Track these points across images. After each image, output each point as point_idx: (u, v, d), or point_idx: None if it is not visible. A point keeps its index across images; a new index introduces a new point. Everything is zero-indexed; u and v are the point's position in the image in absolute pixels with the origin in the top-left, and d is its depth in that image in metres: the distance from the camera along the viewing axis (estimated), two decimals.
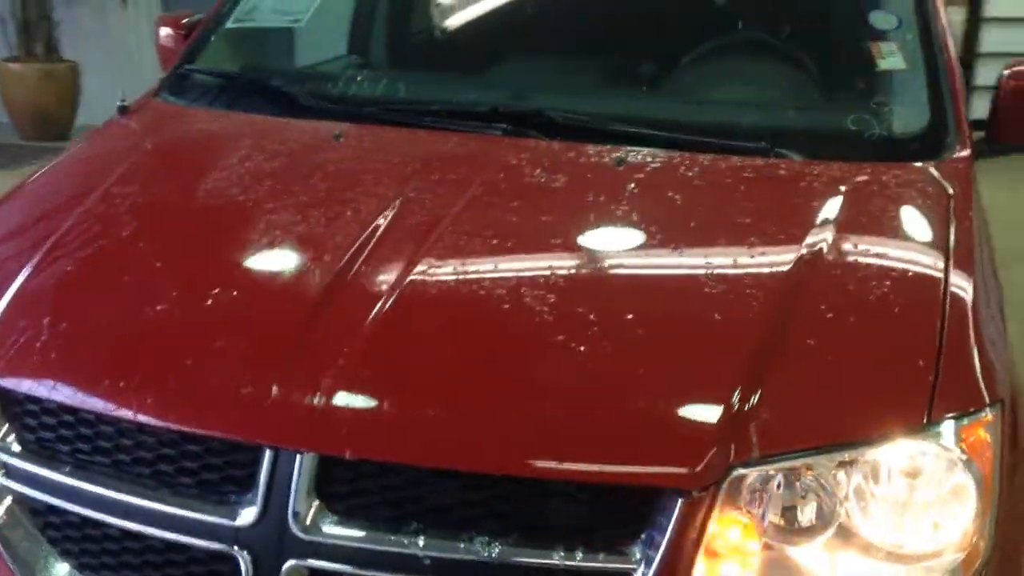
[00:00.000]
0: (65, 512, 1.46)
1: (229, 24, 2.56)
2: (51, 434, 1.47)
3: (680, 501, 1.27)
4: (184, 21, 2.71)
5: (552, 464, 1.30)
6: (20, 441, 1.49)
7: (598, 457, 1.30)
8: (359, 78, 2.33)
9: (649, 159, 1.94)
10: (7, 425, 1.50)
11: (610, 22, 2.59)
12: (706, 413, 1.32)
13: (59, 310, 1.57)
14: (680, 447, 1.30)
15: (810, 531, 1.33)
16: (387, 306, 1.46)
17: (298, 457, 1.31)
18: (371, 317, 1.43)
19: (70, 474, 1.43)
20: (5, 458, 1.48)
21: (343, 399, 1.34)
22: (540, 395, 1.36)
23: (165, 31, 2.77)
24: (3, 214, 1.92)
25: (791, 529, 1.33)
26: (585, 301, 1.53)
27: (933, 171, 1.96)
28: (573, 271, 1.61)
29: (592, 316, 1.48)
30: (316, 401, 1.33)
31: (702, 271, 1.61)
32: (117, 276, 1.64)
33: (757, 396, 1.34)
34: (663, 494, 1.28)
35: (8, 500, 1.49)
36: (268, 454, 1.32)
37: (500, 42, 2.59)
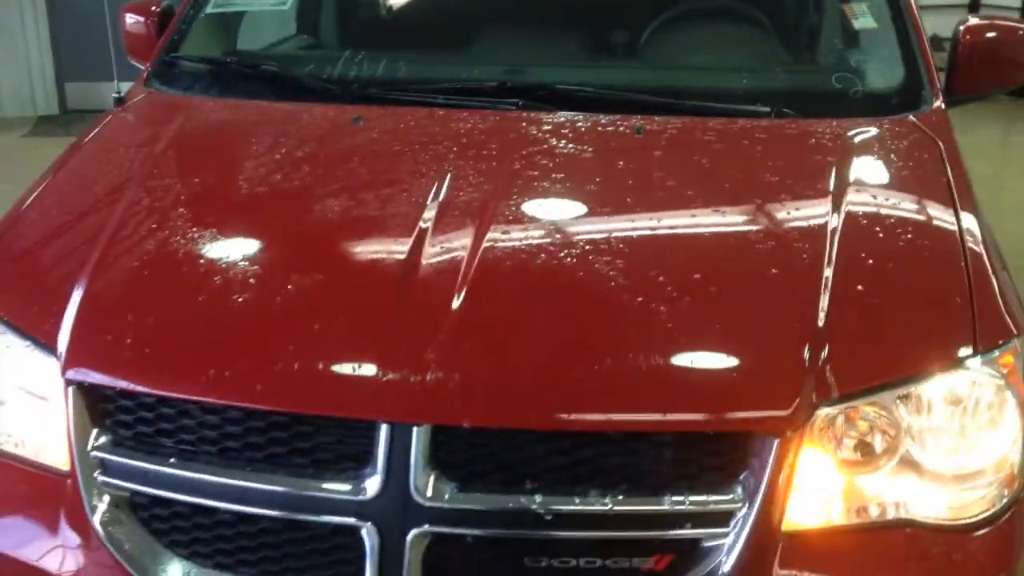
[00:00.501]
0: (172, 503, 1.49)
1: (210, 9, 2.55)
2: (150, 428, 1.49)
3: (776, 442, 1.39)
4: (155, 8, 2.66)
5: (656, 417, 1.41)
6: (115, 438, 1.51)
7: (697, 408, 1.42)
8: (358, 60, 2.35)
9: (664, 127, 2.05)
10: (98, 423, 1.52)
11: None
12: (790, 361, 1.45)
13: (140, 304, 1.59)
14: (773, 394, 1.42)
15: (878, 460, 1.47)
16: (468, 279, 1.53)
17: (414, 430, 1.38)
18: (457, 291, 1.50)
19: (176, 465, 1.46)
20: (101, 455, 1.50)
21: (451, 371, 1.41)
22: (635, 354, 1.45)
23: (132, 18, 2.72)
24: (41, 210, 1.91)
25: (863, 460, 1.47)
26: (650, 261, 1.64)
27: (918, 122, 2.13)
28: (631, 234, 1.72)
29: (662, 277, 1.59)
30: (428, 376, 1.40)
31: (749, 227, 1.74)
32: (191, 267, 1.66)
33: (828, 342, 1.47)
34: (759, 438, 1.40)
35: (107, 498, 1.51)
36: (385, 429, 1.39)
37: (479, 16, 2.65)
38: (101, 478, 1.50)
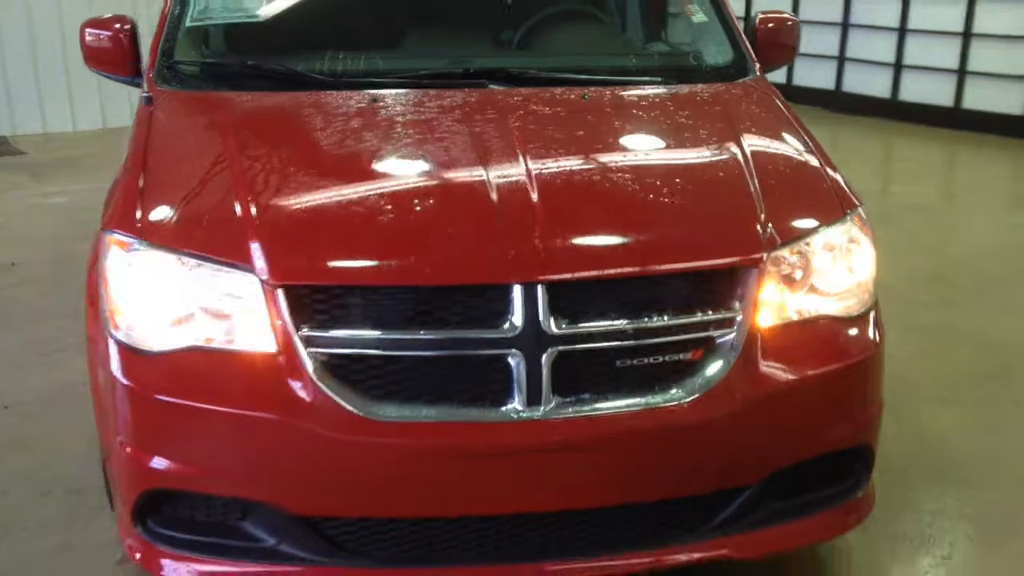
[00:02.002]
0: (367, 359, 2.11)
1: (190, 23, 3.06)
2: (342, 310, 2.12)
3: (754, 272, 2.25)
4: (124, 26, 3.11)
5: (692, 264, 2.22)
6: (319, 320, 2.11)
7: (714, 256, 2.25)
8: (349, 58, 2.99)
9: (601, 93, 2.89)
10: (302, 313, 2.10)
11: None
12: (754, 228, 2.31)
13: (315, 228, 2.21)
14: (750, 245, 2.27)
15: (802, 283, 2.37)
16: (534, 186, 2.28)
17: (539, 287, 2.12)
18: (533, 194, 2.26)
19: (374, 329, 2.10)
20: (308, 334, 2.10)
21: (552, 246, 2.15)
22: (669, 226, 2.29)
23: (94, 32, 3.16)
24: (166, 179, 2.42)
25: (794, 283, 2.36)
26: (648, 170, 2.48)
27: (755, 83, 3.10)
28: (623, 154, 2.57)
29: (658, 181, 2.43)
30: (540, 251, 2.13)
31: (694, 147, 2.64)
32: (337, 199, 2.32)
33: (768, 217, 2.35)
34: (745, 271, 2.25)
35: (313, 363, 2.09)
36: (519, 288, 2.11)
37: (419, 21, 3.39)
38: (309, 349, 2.10)
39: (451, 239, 2.18)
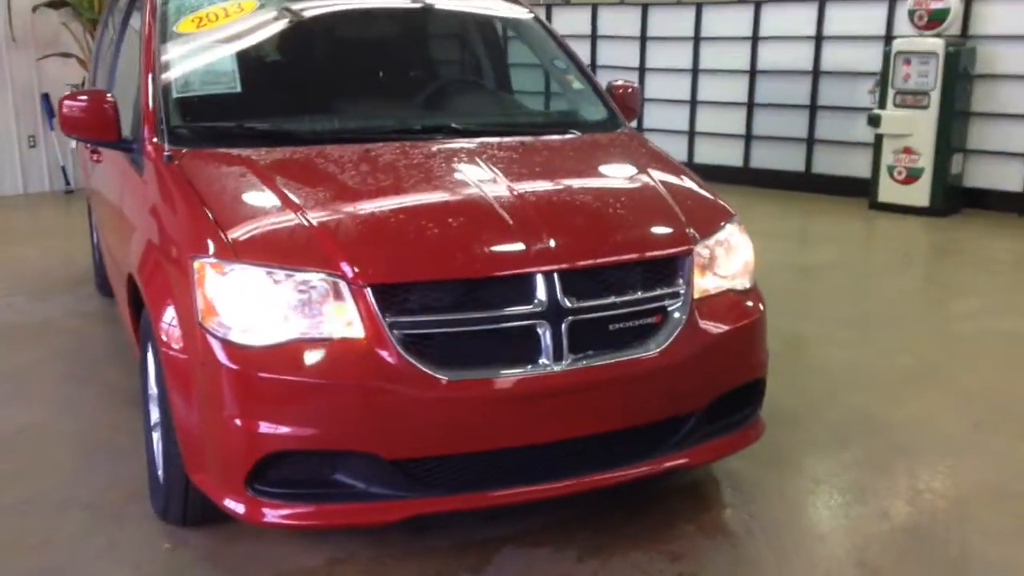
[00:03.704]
0: (434, 336, 2.82)
1: (176, 95, 3.62)
2: (416, 300, 2.83)
3: (689, 259, 3.18)
4: (108, 98, 3.61)
5: (648, 253, 3.11)
6: (399, 309, 2.81)
7: (663, 247, 3.14)
8: (318, 119, 3.69)
9: (533, 143, 3.76)
10: (387, 307, 2.78)
11: (387, 72, 4.30)
12: (683, 227, 3.24)
13: (383, 237, 2.91)
14: (685, 239, 3.19)
15: (711, 267, 3.32)
16: (527, 202, 3.11)
17: (554, 274, 2.93)
18: (528, 208, 3.08)
19: (441, 312, 2.82)
20: (395, 318, 2.78)
21: (558, 243, 2.97)
22: (629, 226, 3.18)
23: (72, 103, 3.65)
24: (230, 211, 3.01)
25: (707, 268, 3.30)
26: (590, 188, 3.39)
27: (627, 132, 4.09)
28: (573, 178, 3.47)
29: (607, 196, 3.34)
30: (551, 245, 2.95)
31: (617, 175, 3.57)
32: (387, 217, 3.01)
33: (688, 222, 3.29)
34: (684, 257, 3.16)
35: (397, 341, 2.78)
36: (540, 276, 2.91)
37: (358, 87, 4.12)
38: (396, 331, 2.80)
39: (485, 243, 2.95)
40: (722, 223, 3.40)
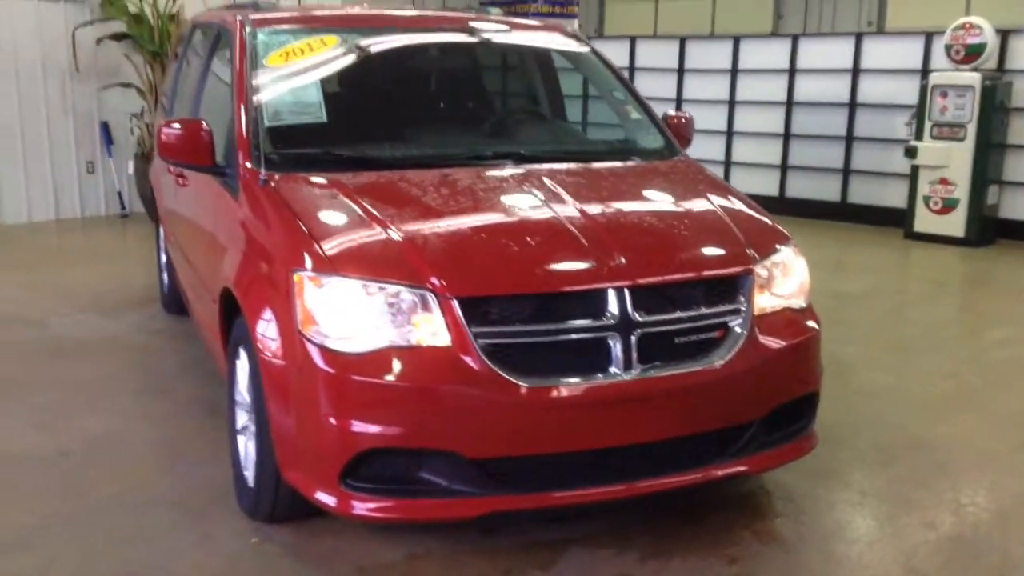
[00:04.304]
0: (515, 346, 3.04)
1: (268, 124, 3.88)
2: (498, 312, 3.06)
3: (750, 278, 3.39)
4: (204, 127, 3.89)
5: (711, 272, 3.34)
6: (483, 319, 3.04)
7: (725, 266, 3.37)
8: (397, 146, 3.96)
9: (596, 168, 4.00)
10: (472, 318, 3.01)
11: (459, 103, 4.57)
12: (744, 248, 3.46)
13: (470, 254, 3.15)
14: (746, 259, 3.40)
15: (769, 286, 3.53)
16: (597, 223, 3.35)
17: (625, 289, 3.16)
18: (598, 228, 3.32)
19: (521, 324, 3.05)
20: (479, 329, 3.01)
21: (627, 261, 3.20)
22: (690, 245, 3.41)
23: (170, 131, 3.93)
24: (326, 228, 3.26)
25: (765, 287, 3.52)
26: (655, 210, 3.62)
27: (685, 159, 4.32)
28: (637, 201, 3.70)
29: (670, 218, 3.56)
30: (622, 263, 3.18)
31: (680, 198, 3.79)
32: (471, 235, 3.26)
33: (744, 241, 3.52)
34: (745, 276, 3.37)
35: (481, 349, 3.00)
36: (612, 291, 3.14)
37: (431, 117, 4.39)
38: (480, 340, 3.03)
39: (562, 260, 3.19)
40: (779, 246, 3.61)
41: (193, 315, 5.04)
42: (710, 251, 3.47)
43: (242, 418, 3.67)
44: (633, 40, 11.93)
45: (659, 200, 3.84)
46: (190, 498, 3.75)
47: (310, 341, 3.06)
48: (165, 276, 6.31)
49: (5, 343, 5.72)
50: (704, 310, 3.28)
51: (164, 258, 6.31)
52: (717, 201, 3.79)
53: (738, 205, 3.85)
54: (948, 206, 9.07)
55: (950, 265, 8.45)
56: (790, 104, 10.65)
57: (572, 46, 4.90)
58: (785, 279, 3.57)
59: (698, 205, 3.77)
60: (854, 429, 4.53)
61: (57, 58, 9.52)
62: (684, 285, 3.28)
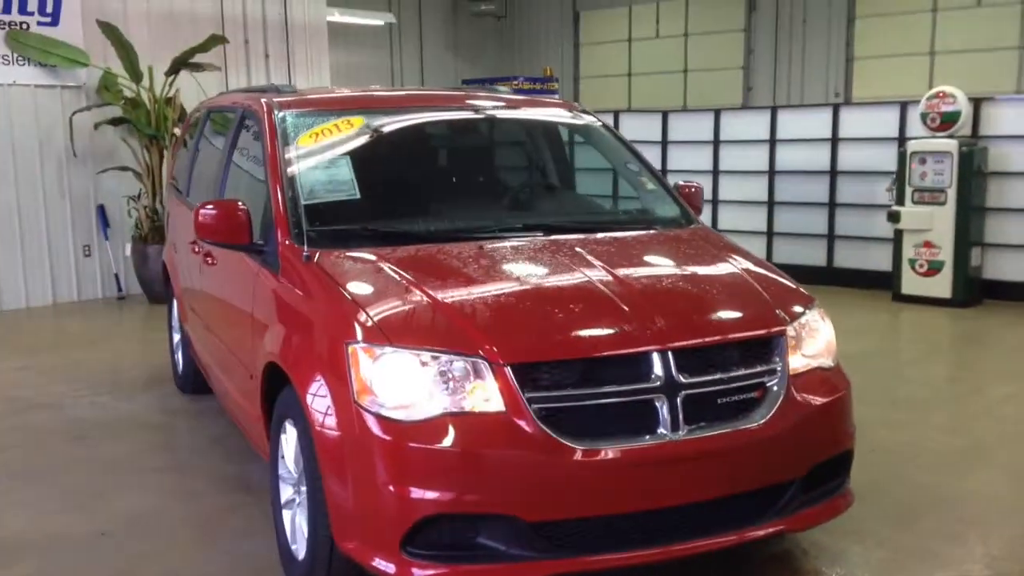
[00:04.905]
0: (567, 409, 3.13)
1: (305, 202, 4.00)
2: (548, 377, 3.16)
3: (784, 338, 3.52)
4: (242, 207, 4.00)
5: (745, 334, 3.46)
6: (535, 385, 3.13)
7: (759, 327, 3.49)
8: (430, 220, 4.09)
9: (619, 237, 4.14)
10: (525, 383, 3.11)
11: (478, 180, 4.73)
12: (775, 310, 3.60)
13: (517, 321, 3.27)
14: (779, 321, 3.54)
15: (800, 346, 3.65)
16: (634, 289, 3.48)
17: (669, 353, 3.27)
18: (636, 294, 3.44)
19: (572, 387, 3.15)
20: (532, 394, 3.10)
21: (669, 326, 3.32)
22: (724, 308, 3.53)
23: (207, 212, 4.05)
24: (371, 298, 3.37)
25: (795, 348, 3.64)
26: (685, 275, 3.74)
27: (702, 227, 4.47)
28: (666, 267, 3.83)
29: (700, 283, 3.70)
30: (663, 326, 3.30)
31: (705, 264, 3.91)
32: (521, 304, 3.36)
33: (773, 304, 3.65)
34: (779, 336, 3.50)
35: (534, 413, 3.10)
36: (657, 354, 3.25)
37: (453, 193, 4.53)
38: (534, 405, 3.11)
39: (607, 325, 3.30)
40: (805, 307, 3.74)
41: (220, 392, 5.08)
42: (744, 313, 3.59)
43: (287, 492, 3.71)
44: (616, 114, 12.22)
45: (687, 266, 3.96)
46: (238, 575, 3.76)
47: (367, 411, 3.14)
48: (179, 356, 6.34)
49: (23, 427, 5.72)
50: (743, 371, 3.39)
51: (177, 337, 6.35)
52: (741, 266, 3.93)
53: (761, 270, 3.99)
54: (933, 268, 9.30)
55: (941, 325, 8.64)
56: (772, 172, 10.93)
57: (584, 120, 5.08)
58: (813, 340, 3.70)
59: (725, 270, 3.91)
60: (877, 487, 4.62)
61: (54, 143, 9.63)
62: (723, 347, 3.40)
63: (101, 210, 9.98)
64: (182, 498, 4.57)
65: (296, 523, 3.62)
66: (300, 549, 3.56)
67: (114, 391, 6.47)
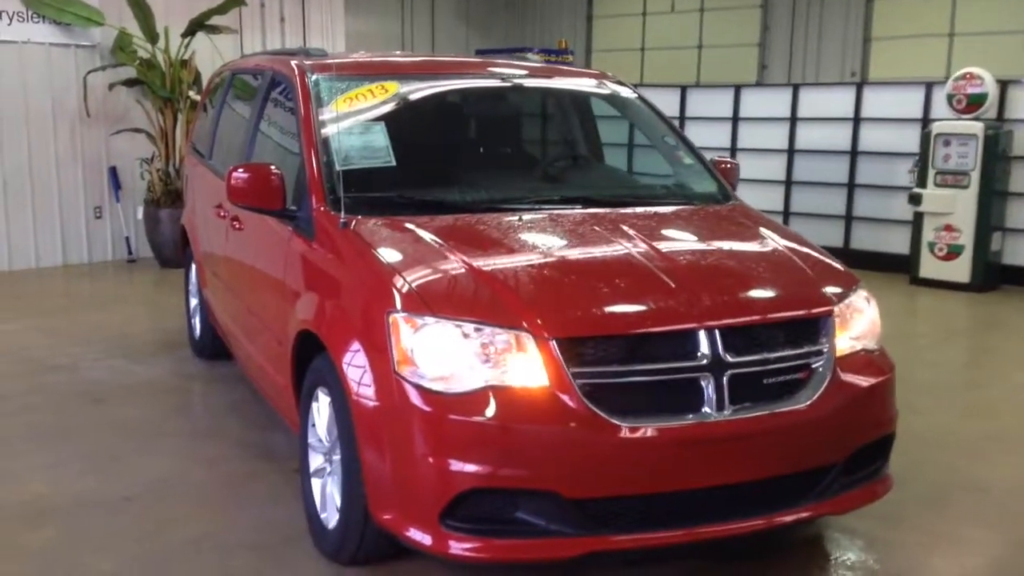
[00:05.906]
0: (612, 385, 3.07)
1: (340, 168, 3.88)
2: (594, 352, 3.09)
3: (831, 319, 3.43)
4: (276, 170, 3.90)
5: (794, 313, 3.38)
6: (579, 360, 3.06)
7: (807, 306, 3.42)
8: (467, 190, 4.00)
9: (662, 211, 4.05)
10: (570, 358, 3.03)
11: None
12: (822, 290, 3.52)
13: (565, 294, 3.19)
14: (826, 301, 3.46)
15: (845, 328, 3.58)
16: (679, 264, 3.40)
17: (716, 330, 3.20)
18: (682, 270, 3.36)
19: (618, 364, 3.08)
20: (577, 369, 3.04)
21: (716, 301, 3.25)
22: (771, 287, 3.45)
23: (239, 175, 3.96)
24: (412, 267, 3.30)
25: (843, 327, 3.56)
26: (728, 251, 3.67)
27: (741, 204, 4.39)
28: (709, 242, 3.75)
29: (744, 260, 3.61)
30: (710, 304, 3.23)
31: (749, 241, 3.83)
32: (568, 276, 3.29)
33: (820, 283, 3.57)
34: (825, 318, 3.42)
35: (578, 389, 3.04)
36: (703, 332, 3.18)
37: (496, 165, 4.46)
38: (578, 381, 3.05)
39: (653, 301, 3.22)
40: (851, 288, 3.67)
41: (243, 358, 5.01)
42: (791, 293, 3.52)
43: (317, 460, 3.65)
44: (635, 87, 12.08)
45: (731, 243, 3.88)
46: (266, 541, 3.71)
47: (407, 381, 3.07)
48: (196, 320, 6.27)
49: (40, 389, 5.65)
50: (790, 351, 3.31)
51: (194, 302, 6.28)
52: (785, 244, 3.85)
53: (805, 249, 3.90)
54: (953, 252, 9.22)
55: (959, 310, 8.57)
56: (792, 151, 10.82)
57: (621, 92, 4.98)
58: (858, 321, 3.62)
59: (769, 248, 3.82)
60: (909, 471, 4.55)
61: (67, 103, 9.52)
62: (770, 326, 3.32)
63: (113, 172, 9.89)
64: (203, 463, 4.52)
65: (327, 492, 3.56)
66: (330, 518, 3.51)
67: (129, 354, 6.41)
